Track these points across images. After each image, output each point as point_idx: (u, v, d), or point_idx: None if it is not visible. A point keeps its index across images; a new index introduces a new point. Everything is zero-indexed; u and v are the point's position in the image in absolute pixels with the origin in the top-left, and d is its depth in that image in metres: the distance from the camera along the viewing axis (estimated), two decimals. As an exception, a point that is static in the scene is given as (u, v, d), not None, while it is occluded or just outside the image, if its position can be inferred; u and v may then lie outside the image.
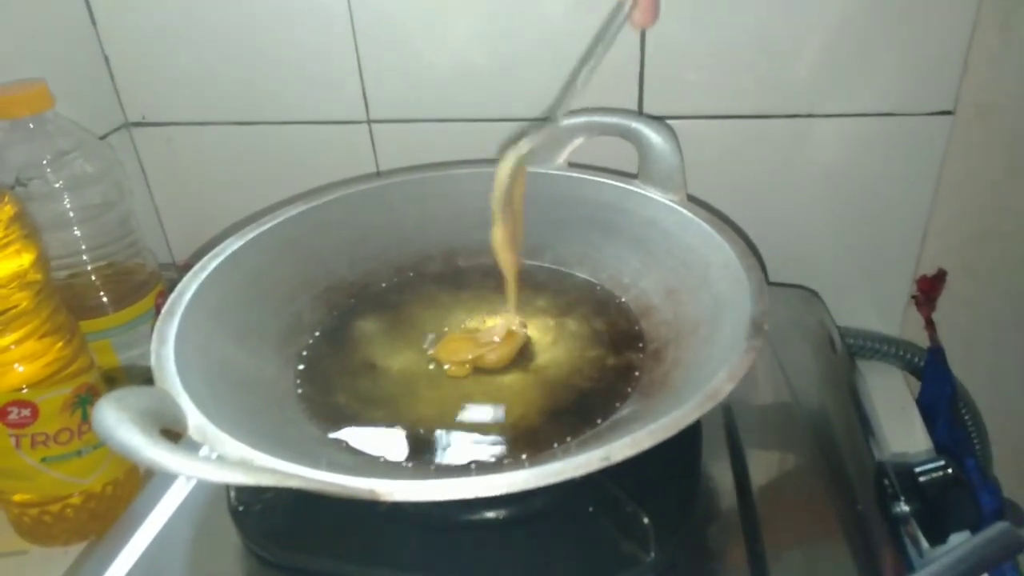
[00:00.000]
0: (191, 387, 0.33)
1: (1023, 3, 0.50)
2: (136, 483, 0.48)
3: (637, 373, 0.41)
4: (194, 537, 0.38)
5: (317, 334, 0.46)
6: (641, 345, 0.43)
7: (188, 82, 0.61)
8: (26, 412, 0.42)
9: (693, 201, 0.46)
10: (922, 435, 0.54)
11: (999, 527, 0.33)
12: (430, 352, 0.44)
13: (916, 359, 0.61)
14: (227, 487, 0.37)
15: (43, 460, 0.43)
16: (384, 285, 0.50)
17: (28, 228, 0.41)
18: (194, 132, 0.63)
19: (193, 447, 0.32)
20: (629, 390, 0.40)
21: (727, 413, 0.43)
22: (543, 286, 0.49)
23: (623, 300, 0.47)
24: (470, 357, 0.42)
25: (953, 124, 0.53)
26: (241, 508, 0.37)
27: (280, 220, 0.46)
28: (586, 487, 0.34)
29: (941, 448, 0.55)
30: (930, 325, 0.62)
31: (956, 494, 0.39)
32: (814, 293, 0.59)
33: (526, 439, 0.37)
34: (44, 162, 0.49)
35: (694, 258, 0.43)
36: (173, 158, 0.65)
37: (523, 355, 0.43)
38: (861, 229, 0.59)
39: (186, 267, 0.43)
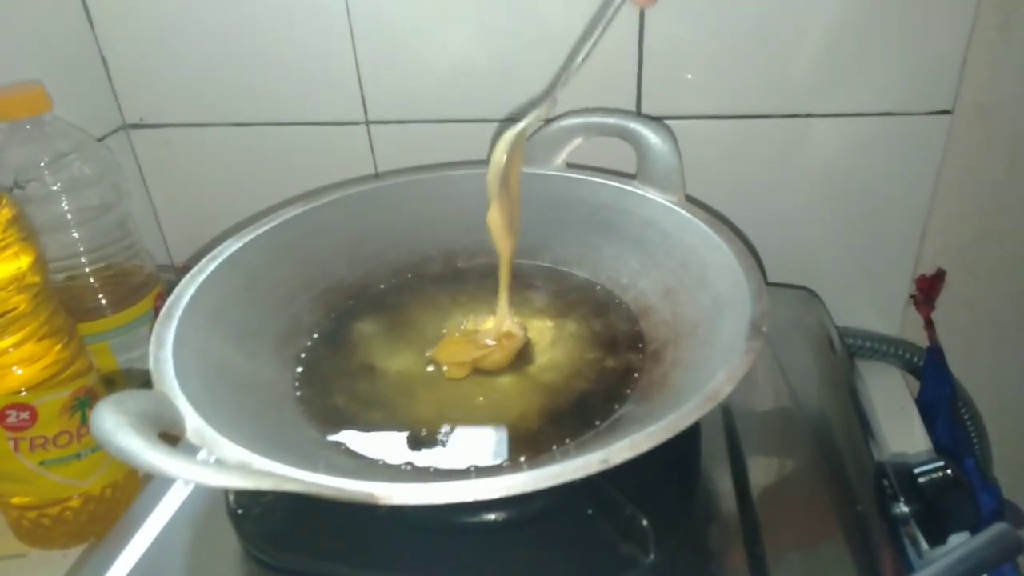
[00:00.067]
0: (189, 390, 0.32)
1: (1023, 3, 0.50)
2: (135, 486, 0.48)
3: (636, 374, 0.41)
4: (193, 540, 0.38)
5: (315, 336, 0.46)
6: (640, 346, 0.43)
7: (186, 84, 0.61)
8: (25, 415, 0.42)
9: (692, 201, 0.46)
10: (921, 435, 0.54)
11: (998, 528, 0.33)
12: (429, 354, 0.44)
13: (915, 359, 0.61)
14: (226, 490, 0.37)
15: (42, 463, 0.43)
16: (383, 287, 0.50)
17: (26, 230, 0.41)
18: (192, 134, 0.63)
19: (191, 450, 0.32)
20: (628, 392, 0.40)
21: (726, 414, 0.43)
22: (542, 287, 0.49)
23: (622, 300, 0.47)
24: (469, 359, 0.42)
25: (952, 124, 0.53)
26: (240, 511, 0.37)
27: (278, 222, 0.46)
28: (585, 489, 0.33)
29: (940, 448, 0.55)
30: (929, 325, 0.62)
31: (955, 495, 0.38)
32: (813, 293, 0.59)
33: (525, 441, 0.37)
34: (42, 164, 0.49)
35: (693, 258, 0.43)
36: (171, 160, 0.64)
37: (522, 357, 0.43)
38: (860, 229, 0.59)
39: (184, 269, 0.43)
